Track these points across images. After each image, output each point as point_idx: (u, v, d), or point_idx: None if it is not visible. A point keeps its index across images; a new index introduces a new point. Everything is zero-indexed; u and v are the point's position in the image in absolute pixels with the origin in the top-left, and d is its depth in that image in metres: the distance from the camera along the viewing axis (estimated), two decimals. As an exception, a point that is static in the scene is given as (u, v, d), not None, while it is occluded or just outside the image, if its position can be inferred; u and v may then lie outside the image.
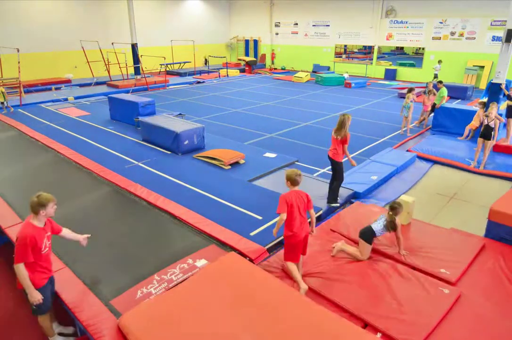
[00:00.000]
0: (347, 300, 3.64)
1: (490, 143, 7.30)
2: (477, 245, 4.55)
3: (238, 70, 21.36)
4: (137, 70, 17.29)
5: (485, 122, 7.20)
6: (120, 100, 10.79)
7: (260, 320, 3.18)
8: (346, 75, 18.21)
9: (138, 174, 6.93)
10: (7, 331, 3.70)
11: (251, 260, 4.28)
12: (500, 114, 8.89)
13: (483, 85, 15.49)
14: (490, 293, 3.81)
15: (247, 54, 25.04)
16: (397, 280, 3.91)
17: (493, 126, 7.21)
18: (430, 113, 10.49)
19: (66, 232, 3.66)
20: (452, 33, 16.86)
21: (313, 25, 21.56)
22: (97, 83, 17.12)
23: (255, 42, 24.49)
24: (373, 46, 19.50)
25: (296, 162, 7.66)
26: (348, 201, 6.13)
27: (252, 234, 4.86)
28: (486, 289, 3.87)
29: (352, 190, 6.22)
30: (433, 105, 10.24)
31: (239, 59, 23.28)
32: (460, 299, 3.67)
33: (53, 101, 13.74)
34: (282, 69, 23.35)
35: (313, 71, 21.24)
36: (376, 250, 4.49)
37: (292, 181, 3.81)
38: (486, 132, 7.21)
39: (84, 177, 6.76)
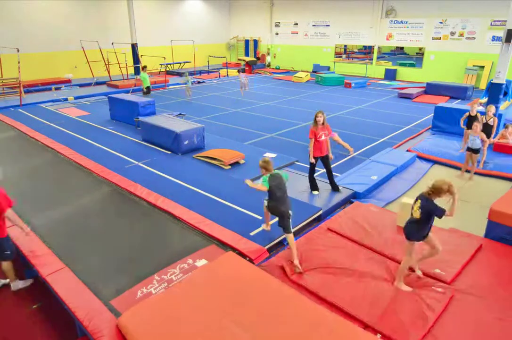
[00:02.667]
0: (345, 301, 3.63)
1: (488, 142, 7.34)
2: (474, 245, 4.55)
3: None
4: (137, 70, 17.29)
5: (484, 120, 7.41)
6: (120, 100, 10.79)
7: (258, 319, 3.18)
8: None
9: (138, 174, 6.93)
10: (7, 331, 3.70)
11: (251, 260, 4.28)
12: (500, 115, 8.90)
13: (483, 85, 15.49)
14: (487, 293, 3.80)
15: (247, 54, 25.04)
16: (393, 280, 3.90)
17: (491, 124, 7.38)
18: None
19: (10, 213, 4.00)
20: (452, 33, 16.86)
21: (313, 25, 21.56)
22: (97, 83, 17.12)
23: (255, 42, 24.49)
24: (373, 46, 19.50)
25: (296, 162, 7.66)
26: (348, 200, 6.12)
27: (252, 234, 4.87)
28: (482, 289, 3.86)
29: (352, 190, 6.22)
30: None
31: (239, 59, 23.28)
32: (454, 298, 3.67)
33: (53, 101, 13.74)
34: (276, 68, 23.34)
35: (313, 71, 21.23)
36: (373, 249, 4.49)
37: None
38: (484, 131, 7.22)
39: (84, 177, 6.76)
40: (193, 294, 3.49)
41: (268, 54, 23.74)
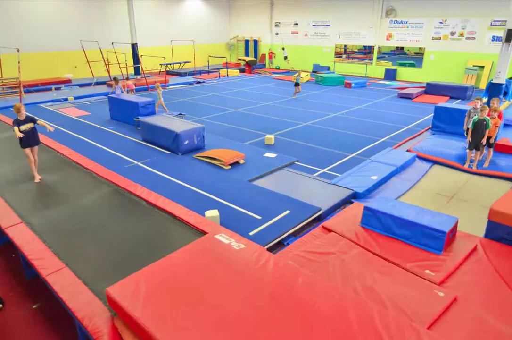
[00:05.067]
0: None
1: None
2: (469, 246, 4.53)
3: (238, 70, 21.38)
4: (137, 70, 17.29)
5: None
6: (120, 100, 10.79)
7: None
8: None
9: (138, 174, 6.93)
10: (7, 331, 3.70)
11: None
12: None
13: (483, 85, 15.49)
14: (487, 293, 3.79)
15: (247, 54, 25.05)
16: (391, 281, 3.89)
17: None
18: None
19: None
20: (452, 33, 16.87)
21: (313, 25, 21.57)
22: (97, 83, 17.13)
23: (255, 42, 24.50)
24: (373, 46, 19.51)
25: (296, 162, 7.66)
26: (348, 200, 6.13)
27: (251, 233, 4.87)
28: (482, 289, 3.84)
29: (352, 190, 6.22)
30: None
31: (239, 59, 23.30)
32: (456, 301, 3.63)
33: (53, 101, 13.74)
34: (276, 68, 23.36)
35: (313, 71, 21.25)
36: (369, 250, 4.50)
37: None
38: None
39: (84, 177, 6.76)
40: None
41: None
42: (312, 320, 3.00)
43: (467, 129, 7.35)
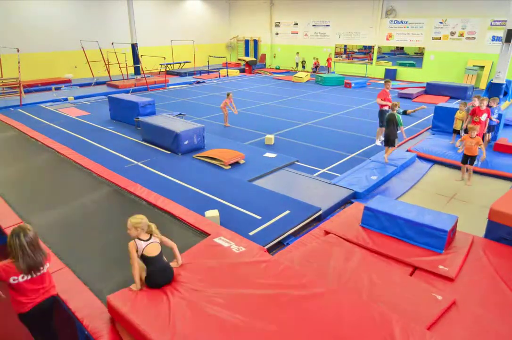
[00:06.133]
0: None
1: None
2: (467, 241, 4.58)
3: (238, 70, 21.38)
4: (137, 70, 17.29)
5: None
6: (120, 100, 10.79)
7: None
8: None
9: (138, 174, 6.93)
10: (7, 331, 3.70)
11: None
12: (500, 115, 8.88)
13: (483, 85, 15.49)
14: (487, 294, 3.78)
15: (247, 54, 25.05)
16: (390, 283, 3.87)
17: None
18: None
19: None
20: (452, 33, 16.87)
21: (313, 25, 21.57)
22: (97, 83, 17.12)
23: (255, 42, 24.50)
24: (373, 46, 19.51)
25: (296, 162, 7.66)
26: (348, 201, 6.12)
27: (251, 233, 4.87)
28: (482, 290, 3.84)
29: (352, 190, 6.22)
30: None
31: (239, 59, 23.30)
32: (454, 304, 3.60)
33: (53, 101, 13.74)
34: (276, 68, 23.38)
35: (313, 71, 21.25)
36: (371, 250, 4.50)
37: None
38: None
39: (84, 177, 6.75)
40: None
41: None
42: (314, 321, 3.00)
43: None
